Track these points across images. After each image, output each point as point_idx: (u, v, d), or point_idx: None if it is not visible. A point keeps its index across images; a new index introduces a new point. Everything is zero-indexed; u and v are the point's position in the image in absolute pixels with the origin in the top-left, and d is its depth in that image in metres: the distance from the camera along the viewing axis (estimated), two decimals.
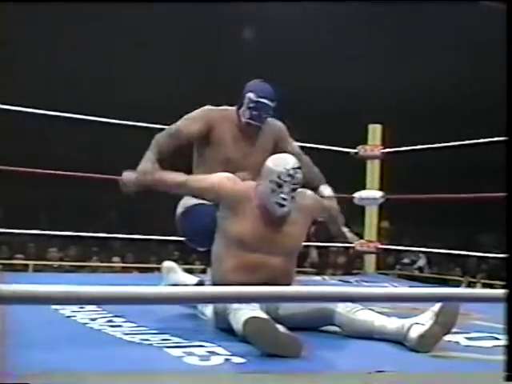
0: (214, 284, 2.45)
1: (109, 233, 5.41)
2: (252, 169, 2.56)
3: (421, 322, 2.16)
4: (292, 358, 1.95)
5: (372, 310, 2.31)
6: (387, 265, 8.29)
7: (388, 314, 2.33)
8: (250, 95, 2.70)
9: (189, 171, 2.80)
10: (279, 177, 2.35)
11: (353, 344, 2.20)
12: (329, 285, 4.02)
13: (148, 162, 2.54)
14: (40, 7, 9.39)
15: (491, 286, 7.66)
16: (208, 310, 2.45)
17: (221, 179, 2.44)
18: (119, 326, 2.31)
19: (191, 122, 2.72)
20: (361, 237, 4.67)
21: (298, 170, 2.38)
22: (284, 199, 2.35)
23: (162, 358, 1.89)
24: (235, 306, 2.13)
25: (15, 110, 3.86)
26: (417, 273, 8.21)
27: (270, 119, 2.81)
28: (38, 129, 7.61)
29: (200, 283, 2.74)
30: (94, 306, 2.53)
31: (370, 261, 4.71)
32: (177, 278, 2.85)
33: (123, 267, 8.93)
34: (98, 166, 5.05)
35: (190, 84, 11.49)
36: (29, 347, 1.89)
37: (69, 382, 1.64)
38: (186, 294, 1.25)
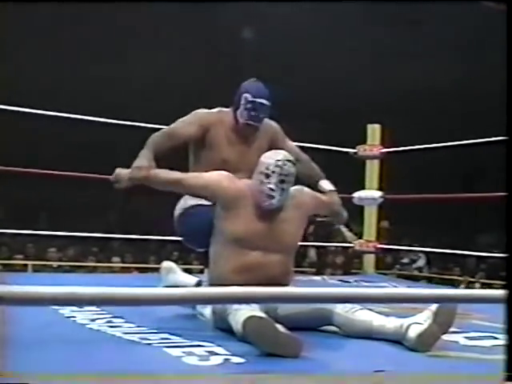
0: (213, 285, 2.45)
1: (108, 233, 5.42)
2: (248, 170, 2.56)
3: (419, 322, 2.16)
4: (291, 358, 1.95)
5: (371, 310, 2.32)
6: (386, 265, 8.29)
7: (387, 314, 2.33)
8: (247, 96, 2.69)
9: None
10: (267, 168, 2.36)
11: (352, 344, 2.20)
12: (329, 285, 4.02)
13: (144, 158, 2.53)
14: (40, 7, 9.38)
15: (490, 286, 7.67)
16: (207, 310, 2.45)
17: (217, 177, 2.45)
18: (119, 326, 2.31)
19: (186, 124, 2.71)
20: (360, 237, 4.68)
21: (287, 163, 2.38)
22: (272, 189, 2.35)
23: (162, 358, 1.90)
24: (235, 306, 2.14)
25: (15, 111, 3.86)
26: (416, 273, 8.22)
27: (264, 119, 2.81)
28: (38, 129, 7.61)
29: (199, 284, 2.74)
30: (94, 307, 2.54)
31: (370, 261, 4.71)
32: (176, 279, 2.85)
33: (122, 267, 8.93)
34: (98, 166, 5.05)
35: (191, 84, 11.49)
36: (28, 347, 1.89)
37: (68, 383, 1.64)
38: (186, 295, 1.26)
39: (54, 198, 12.28)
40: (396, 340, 2.18)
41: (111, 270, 8.45)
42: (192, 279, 2.83)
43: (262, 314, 2.08)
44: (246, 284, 1.77)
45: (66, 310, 2.52)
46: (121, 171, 2.55)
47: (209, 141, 2.72)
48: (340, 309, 2.27)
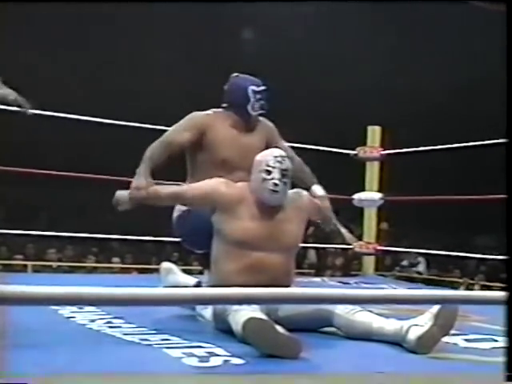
0: (214, 286, 2.45)
1: (108, 234, 5.42)
2: (247, 169, 2.57)
3: (419, 324, 2.16)
4: (291, 359, 1.95)
5: (371, 311, 2.32)
6: (386, 266, 8.29)
7: (387, 316, 2.33)
8: (253, 88, 2.74)
9: (183, 178, 2.81)
10: (267, 164, 2.40)
11: (352, 345, 2.20)
12: (329, 286, 4.02)
13: (141, 177, 2.54)
14: (39, 7, 9.39)
15: (490, 288, 7.67)
16: (207, 311, 2.45)
17: (214, 184, 2.45)
18: (118, 327, 2.31)
19: (182, 130, 2.71)
20: (360, 238, 4.68)
21: (285, 158, 2.43)
22: (276, 184, 2.38)
23: (162, 359, 1.90)
24: (235, 307, 2.14)
25: (14, 111, 3.85)
26: (415, 275, 8.22)
27: (261, 119, 2.83)
28: (38, 129, 7.61)
29: (198, 285, 2.74)
30: (94, 307, 2.54)
31: (369, 262, 4.72)
32: (175, 280, 2.85)
33: (122, 268, 8.93)
34: (98, 166, 5.05)
35: (191, 84, 11.50)
36: (28, 348, 1.89)
37: (68, 383, 1.64)
38: (186, 296, 1.26)
39: (53, 198, 12.28)
40: (396, 342, 2.18)
41: (111, 271, 8.45)
42: (191, 280, 2.84)
43: (262, 316, 2.08)
44: (247, 285, 1.77)
45: (66, 311, 2.52)
46: (121, 194, 2.56)
47: (206, 143, 2.72)
48: (340, 310, 2.27)
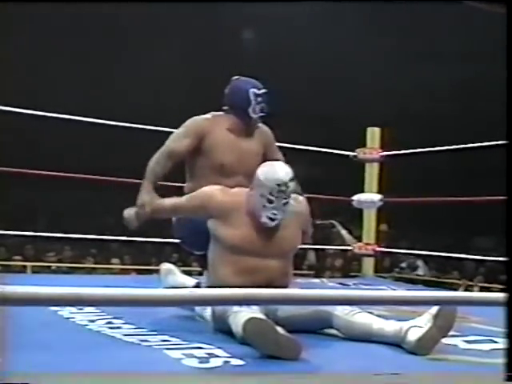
0: (212, 287, 2.44)
1: (107, 234, 5.42)
2: (245, 173, 2.57)
3: (419, 325, 2.16)
4: (291, 360, 1.95)
5: (370, 312, 2.32)
6: (385, 268, 8.28)
7: (386, 317, 2.33)
8: (254, 91, 2.73)
9: (182, 181, 2.82)
10: (270, 193, 2.34)
11: (351, 346, 2.20)
12: (328, 288, 4.02)
13: (145, 193, 2.58)
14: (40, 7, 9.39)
15: (488, 289, 7.66)
16: (207, 312, 2.45)
17: (209, 193, 2.45)
18: (118, 327, 2.31)
19: (182, 137, 2.71)
20: (359, 239, 4.68)
21: (290, 183, 2.37)
22: (275, 214, 2.36)
23: (162, 360, 1.90)
24: (235, 308, 2.14)
25: (14, 111, 3.86)
26: (415, 276, 8.20)
27: (260, 124, 2.83)
28: (37, 130, 7.61)
29: (198, 286, 2.74)
30: (93, 308, 2.54)
31: (369, 264, 4.71)
32: (175, 280, 2.85)
33: (121, 269, 8.91)
34: (98, 167, 5.05)
35: (191, 84, 11.50)
36: (28, 348, 1.89)
37: (68, 383, 1.64)
38: (186, 297, 1.26)
39: (53, 199, 12.28)
40: (395, 343, 2.18)
41: (110, 272, 8.44)
42: (191, 281, 2.84)
43: (262, 316, 2.08)
44: (246, 287, 1.77)
45: (66, 312, 2.52)
46: (128, 212, 2.60)
47: (205, 148, 2.71)
48: (340, 311, 2.27)
